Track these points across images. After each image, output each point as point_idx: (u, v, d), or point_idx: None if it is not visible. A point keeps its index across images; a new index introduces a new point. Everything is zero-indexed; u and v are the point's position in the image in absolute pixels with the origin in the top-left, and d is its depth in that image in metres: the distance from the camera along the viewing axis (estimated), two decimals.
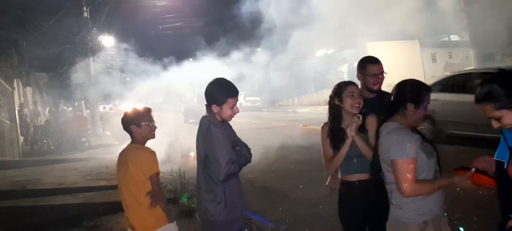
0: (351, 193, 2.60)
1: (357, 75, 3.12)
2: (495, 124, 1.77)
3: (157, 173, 2.78)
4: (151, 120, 2.87)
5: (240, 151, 2.55)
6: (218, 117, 2.51)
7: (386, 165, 2.20)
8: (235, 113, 2.54)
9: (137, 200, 2.72)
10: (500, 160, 1.84)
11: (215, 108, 2.49)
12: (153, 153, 2.79)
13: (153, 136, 2.89)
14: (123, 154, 2.87)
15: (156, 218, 2.73)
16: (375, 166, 2.30)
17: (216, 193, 2.45)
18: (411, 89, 2.20)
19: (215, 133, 2.43)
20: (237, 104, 2.59)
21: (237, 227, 2.57)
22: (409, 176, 2.05)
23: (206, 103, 2.55)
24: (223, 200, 2.44)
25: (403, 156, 2.07)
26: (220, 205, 2.45)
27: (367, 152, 2.51)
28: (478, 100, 1.81)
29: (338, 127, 2.64)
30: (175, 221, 2.89)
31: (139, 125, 2.81)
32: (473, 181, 2.01)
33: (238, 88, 2.60)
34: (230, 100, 2.48)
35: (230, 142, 2.52)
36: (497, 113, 1.74)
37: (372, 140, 2.53)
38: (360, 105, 2.62)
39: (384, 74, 3.03)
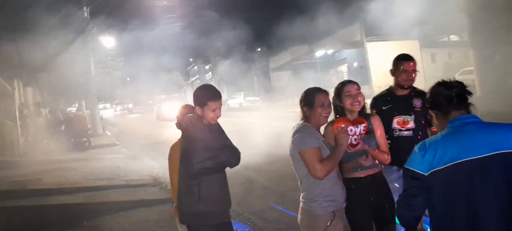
0: (362, 188, 2.60)
1: (390, 71, 3.14)
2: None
3: None
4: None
5: (223, 151, 2.66)
6: (203, 119, 2.68)
7: (297, 160, 2.45)
8: (217, 117, 2.69)
9: None
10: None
11: (198, 110, 2.67)
12: None
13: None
14: (174, 148, 3.02)
15: None
16: None
17: (190, 187, 2.61)
18: (304, 95, 2.58)
19: (192, 130, 2.62)
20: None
21: (215, 221, 2.67)
22: (315, 160, 2.34)
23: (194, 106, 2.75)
24: (197, 194, 2.59)
25: (309, 146, 2.38)
26: (193, 198, 2.60)
27: (379, 156, 2.67)
28: None
29: None
30: None
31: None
32: (335, 127, 2.53)
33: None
34: (210, 104, 2.63)
35: (214, 142, 2.64)
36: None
37: (380, 140, 2.71)
38: (361, 103, 2.68)
39: (416, 72, 3.04)
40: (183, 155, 2.67)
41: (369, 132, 2.66)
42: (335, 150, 2.45)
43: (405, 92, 3.04)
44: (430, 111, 1.93)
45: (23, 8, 10.94)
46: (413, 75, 3.01)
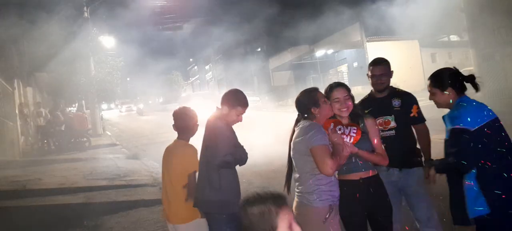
0: (355, 191, 2.60)
1: (367, 75, 3.21)
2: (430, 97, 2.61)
3: (195, 171, 2.98)
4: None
5: (237, 148, 2.93)
6: (224, 118, 2.91)
7: (304, 156, 2.49)
8: (239, 121, 2.95)
9: (176, 193, 2.97)
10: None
11: (225, 109, 2.92)
12: (196, 151, 3.00)
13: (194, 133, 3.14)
14: (170, 149, 3.10)
15: (189, 211, 2.94)
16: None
17: (212, 177, 2.84)
18: (305, 97, 2.62)
19: (220, 125, 2.86)
20: None
21: (230, 210, 2.83)
22: (327, 156, 2.39)
23: (220, 103, 2.97)
24: (218, 183, 2.82)
25: (320, 143, 2.42)
26: (214, 187, 2.83)
27: (374, 158, 2.66)
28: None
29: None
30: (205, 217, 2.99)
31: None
32: (324, 127, 2.58)
33: (239, 88, 3.04)
34: (239, 108, 2.91)
35: (234, 140, 2.90)
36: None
37: (373, 140, 2.70)
38: (349, 109, 2.68)
39: (387, 75, 3.07)
40: (207, 148, 2.88)
41: (363, 133, 2.67)
42: (334, 149, 2.47)
43: (384, 94, 3.10)
44: (448, 88, 2.48)
45: (23, 8, 10.95)
46: (383, 78, 3.06)
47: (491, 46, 13.06)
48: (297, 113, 2.68)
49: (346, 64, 27.55)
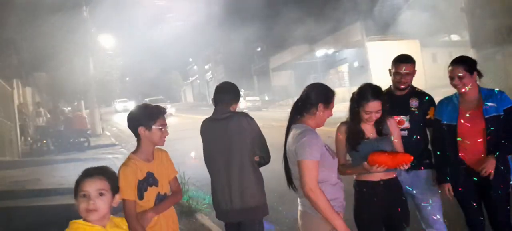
0: (375, 194, 2.51)
1: (388, 71, 3.07)
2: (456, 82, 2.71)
3: (123, 199, 2.18)
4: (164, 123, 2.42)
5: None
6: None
7: (292, 164, 2.35)
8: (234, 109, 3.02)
9: None
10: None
11: (233, 107, 3.02)
12: (121, 170, 2.29)
13: (162, 143, 2.44)
14: (124, 170, 2.41)
15: None
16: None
17: (244, 179, 2.98)
18: (322, 91, 2.39)
19: (243, 120, 2.93)
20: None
21: (262, 215, 2.94)
22: (310, 176, 2.18)
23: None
24: (255, 186, 3.02)
25: (307, 157, 2.21)
26: (250, 192, 2.99)
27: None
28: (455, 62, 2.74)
29: (356, 127, 2.58)
30: None
31: (149, 127, 2.34)
32: (370, 162, 2.36)
33: (239, 88, 3.22)
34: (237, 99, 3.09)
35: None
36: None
37: (396, 141, 2.64)
38: (376, 118, 2.57)
39: (410, 75, 2.94)
40: (231, 149, 2.87)
41: (385, 134, 2.60)
42: (330, 212, 2.19)
43: (403, 93, 2.99)
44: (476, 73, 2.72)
45: (22, 8, 10.91)
46: (408, 77, 2.93)
47: (492, 46, 13.03)
48: (290, 115, 2.46)
49: (347, 64, 27.46)
